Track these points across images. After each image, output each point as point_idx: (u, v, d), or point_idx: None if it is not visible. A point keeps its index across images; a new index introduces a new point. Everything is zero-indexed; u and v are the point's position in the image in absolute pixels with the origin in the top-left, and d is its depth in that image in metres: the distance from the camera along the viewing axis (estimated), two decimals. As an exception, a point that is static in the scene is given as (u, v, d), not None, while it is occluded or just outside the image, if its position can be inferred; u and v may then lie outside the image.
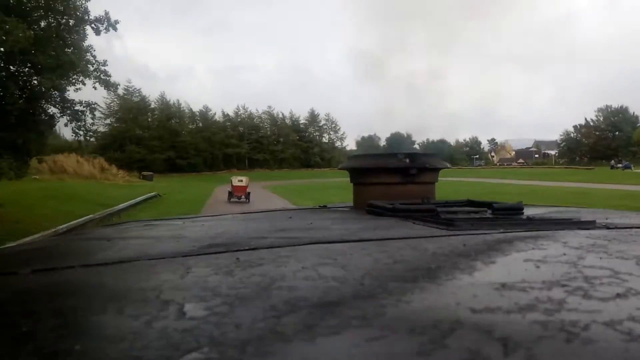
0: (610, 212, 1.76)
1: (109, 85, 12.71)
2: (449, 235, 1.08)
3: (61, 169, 34.20)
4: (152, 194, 26.31)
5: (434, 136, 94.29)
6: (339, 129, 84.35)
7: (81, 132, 13.25)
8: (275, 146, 76.05)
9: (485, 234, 1.08)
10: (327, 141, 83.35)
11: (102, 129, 63.32)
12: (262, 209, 2.65)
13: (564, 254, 0.79)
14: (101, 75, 12.31)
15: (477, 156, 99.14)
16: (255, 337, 0.44)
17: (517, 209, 1.50)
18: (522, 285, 0.60)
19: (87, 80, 12.32)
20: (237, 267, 0.77)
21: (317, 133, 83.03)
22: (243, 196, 22.46)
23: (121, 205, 18.89)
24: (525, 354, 0.38)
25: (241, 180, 23.35)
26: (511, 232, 1.10)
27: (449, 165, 2.25)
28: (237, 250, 0.95)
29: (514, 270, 0.71)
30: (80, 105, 12.38)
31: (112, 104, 64.09)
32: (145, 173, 47.28)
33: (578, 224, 1.22)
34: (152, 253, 1.01)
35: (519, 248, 0.87)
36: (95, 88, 12.48)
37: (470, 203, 1.79)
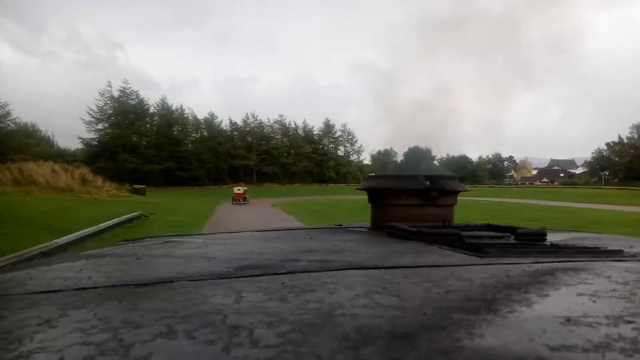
0: (630, 239, 1.75)
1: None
2: (484, 265, 1.07)
3: (29, 180, 27.64)
4: (132, 214, 19.65)
5: (446, 152, 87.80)
6: (355, 141, 78.19)
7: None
8: (286, 158, 70.08)
9: (519, 263, 1.08)
10: (342, 154, 77.06)
11: (92, 135, 57.36)
12: (278, 228, 2.48)
13: (614, 290, 0.79)
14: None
15: (511, 174, 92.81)
16: None
17: (541, 235, 1.52)
18: (587, 321, 0.59)
19: None
20: (289, 293, 0.76)
21: (332, 145, 76.99)
22: (242, 199, 33.83)
23: (70, 236, 12.16)
24: None
25: (239, 189, 35.46)
26: (543, 262, 1.11)
27: (468, 188, 2.21)
28: (274, 274, 0.96)
29: (572, 305, 0.69)
30: None
31: (105, 107, 58.43)
32: (136, 186, 40.85)
33: (606, 254, 1.23)
34: (190, 273, 0.99)
35: (565, 281, 0.86)
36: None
37: (490, 227, 1.79)
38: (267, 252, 1.33)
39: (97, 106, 57.77)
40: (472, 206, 27.28)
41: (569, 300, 0.72)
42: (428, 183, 1.89)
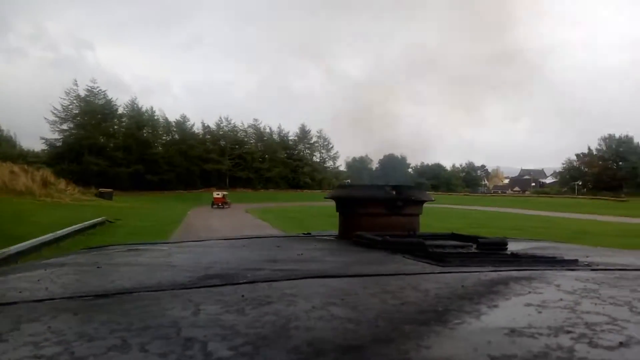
0: (586, 249, 1.80)
1: None
2: (443, 273, 1.11)
3: (-16, 182, 25.70)
4: (96, 220, 18.20)
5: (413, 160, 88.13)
6: (331, 147, 77.51)
7: None
8: (260, 163, 68.80)
9: (477, 272, 1.11)
10: (318, 160, 76.31)
11: (56, 135, 54.79)
12: (247, 236, 2.48)
13: (561, 299, 0.82)
14: None
15: (485, 183, 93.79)
16: None
17: (501, 244, 1.56)
18: (530, 332, 0.62)
19: None
20: (247, 305, 0.78)
21: (308, 151, 76.18)
22: (220, 204, 38.06)
23: (21, 246, 10.76)
24: None
25: (218, 194, 39.87)
26: (500, 270, 1.14)
27: (433, 198, 2.27)
28: (236, 284, 0.97)
29: (518, 316, 0.72)
30: None
31: (70, 107, 55.97)
32: (102, 190, 38.92)
33: (561, 263, 1.27)
34: (150, 284, 0.99)
35: (517, 291, 0.89)
36: None
37: (455, 236, 1.83)
38: (231, 261, 1.33)
39: (62, 105, 55.49)
40: (454, 214, 26.70)
41: (517, 311, 0.76)
42: (394, 193, 1.94)
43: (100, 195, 36.71)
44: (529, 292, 0.87)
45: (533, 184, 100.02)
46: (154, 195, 52.12)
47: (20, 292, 0.94)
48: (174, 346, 0.55)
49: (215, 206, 37.68)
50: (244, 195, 54.19)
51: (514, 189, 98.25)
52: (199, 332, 0.61)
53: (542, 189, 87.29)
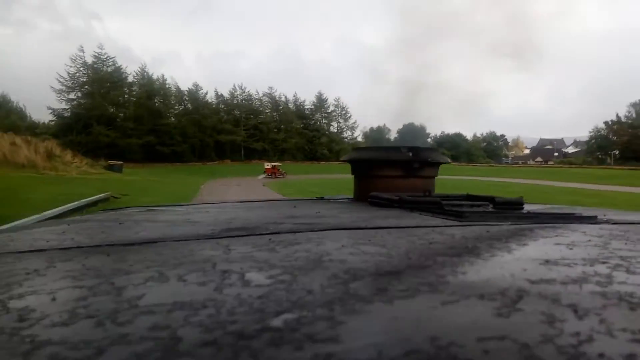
0: (603, 210, 1.81)
1: None
2: (464, 225, 1.09)
3: (-19, 154, 23.71)
4: (98, 196, 16.08)
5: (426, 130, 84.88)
6: (349, 117, 74.52)
7: None
8: (276, 134, 66.26)
9: (497, 224, 1.10)
10: (336, 130, 73.50)
11: (63, 105, 52.51)
12: (261, 199, 2.52)
13: (590, 240, 0.82)
14: None
15: (511, 152, 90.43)
16: (334, 299, 0.44)
17: (518, 204, 1.55)
18: (565, 262, 0.61)
19: None
20: (277, 246, 0.77)
21: (325, 121, 73.25)
22: (270, 174, 39.92)
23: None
24: (598, 318, 0.39)
25: (268, 165, 42.86)
26: (521, 224, 1.12)
27: (449, 160, 2.26)
28: (260, 234, 0.95)
29: (550, 251, 0.72)
30: None
31: (77, 74, 53.45)
32: (112, 162, 36.90)
33: (581, 219, 1.27)
34: (175, 234, 0.99)
35: (543, 235, 0.89)
36: None
37: (470, 197, 1.81)
38: (251, 218, 1.35)
39: (69, 73, 53.06)
40: (486, 188, 24.18)
41: (547, 248, 0.75)
42: (410, 154, 1.91)
43: (110, 168, 34.76)
44: (556, 236, 0.86)
45: (556, 154, 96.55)
46: (166, 167, 50.29)
47: (47, 241, 0.93)
48: (212, 277, 0.55)
49: (268, 177, 39.51)
50: (260, 167, 52.04)
51: (536, 159, 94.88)
52: (235, 265, 0.61)
53: (567, 159, 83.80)
